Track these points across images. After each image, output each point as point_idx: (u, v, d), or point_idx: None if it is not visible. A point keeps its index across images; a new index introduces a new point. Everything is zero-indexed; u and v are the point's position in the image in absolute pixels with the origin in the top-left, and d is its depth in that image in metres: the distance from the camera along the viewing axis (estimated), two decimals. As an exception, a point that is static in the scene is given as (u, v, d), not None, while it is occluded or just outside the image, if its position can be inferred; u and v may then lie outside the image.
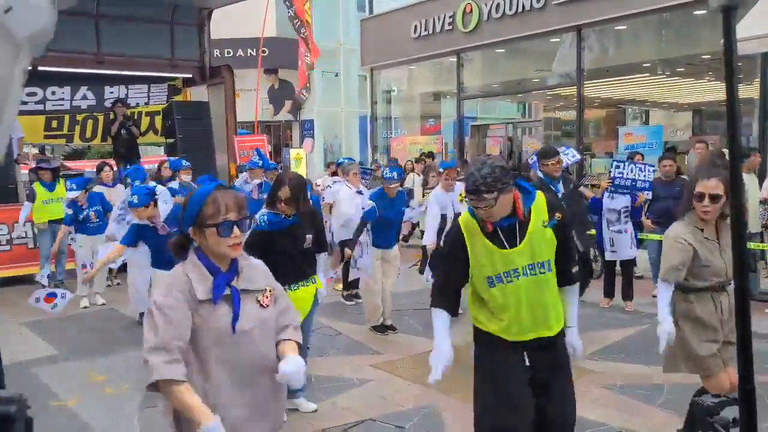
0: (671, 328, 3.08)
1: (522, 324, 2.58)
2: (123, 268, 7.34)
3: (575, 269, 2.76)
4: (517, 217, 2.55)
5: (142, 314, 6.44)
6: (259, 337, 2.08)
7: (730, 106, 1.25)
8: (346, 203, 6.87)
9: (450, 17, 13.64)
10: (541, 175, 5.37)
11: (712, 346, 3.16)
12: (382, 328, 6.15)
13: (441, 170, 6.66)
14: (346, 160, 8.79)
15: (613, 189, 6.59)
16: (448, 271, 2.73)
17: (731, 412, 1.50)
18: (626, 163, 6.72)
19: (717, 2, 1.31)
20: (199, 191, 2.07)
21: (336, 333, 6.20)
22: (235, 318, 2.02)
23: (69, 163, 13.59)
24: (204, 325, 1.98)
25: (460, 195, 6.01)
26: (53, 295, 5.04)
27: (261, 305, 2.11)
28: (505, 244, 2.56)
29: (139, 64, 10.74)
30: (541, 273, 2.59)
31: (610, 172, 6.86)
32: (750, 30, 7.00)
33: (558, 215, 2.63)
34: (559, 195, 5.25)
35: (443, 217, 6.20)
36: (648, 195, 6.62)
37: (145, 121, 11.46)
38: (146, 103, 11.52)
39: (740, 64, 9.84)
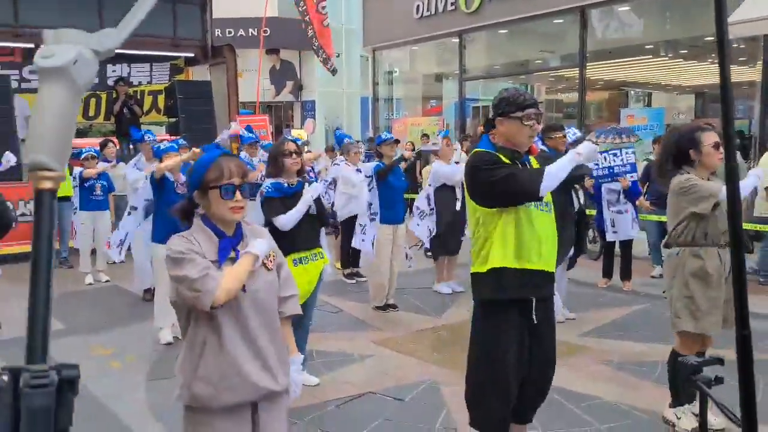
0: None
1: (548, 259, 2.75)
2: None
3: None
4: (530, 153, 2.85)
5: (146, 291, 6.52)
6: (265, 298, 2.16)
7: (723, 85, 1.27)
8: (347, 178, 6.99)
9: (453, -3, 13.56)
10: (545, 148, 5.34)
11: (719, 300, 3.42)
12: (384, 306, 6.22)
13: (441, 137, 6.75)
14: (346, 139, 8.82)
15: (595, 182, 6.49)
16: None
17: (712, 371, 1.55)
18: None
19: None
20: (205, 157, 2.17)
21: (337, 310, 6.28)
22: None
23: (71, 142, 13.60)
24: None
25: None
26: None
27: (266, 268, 2.19)
28: None
29: (141, 43, 10.68)
30: (548, 211, 2.80)
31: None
32: (751, 12, 6.97)
33: None
34: None
35: (452, 190, 6.33)
36: (632, 177, 6.51)
37: (147, 100, 11.47)
38: (149, 82, 11.52)
39: (743, 46, 9.80)
